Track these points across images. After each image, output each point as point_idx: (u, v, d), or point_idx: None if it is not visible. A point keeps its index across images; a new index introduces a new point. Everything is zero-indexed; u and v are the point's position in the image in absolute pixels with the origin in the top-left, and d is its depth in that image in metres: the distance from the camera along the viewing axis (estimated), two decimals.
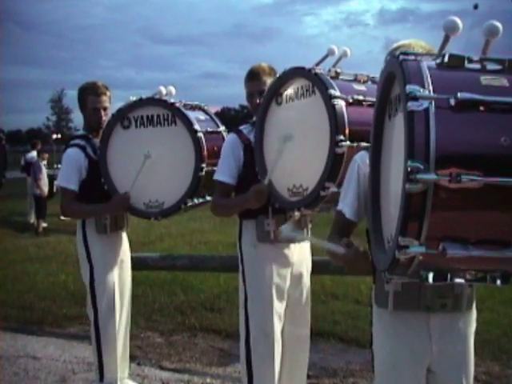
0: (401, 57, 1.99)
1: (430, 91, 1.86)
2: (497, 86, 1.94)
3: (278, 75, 3.57)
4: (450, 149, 1.82)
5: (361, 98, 3.22)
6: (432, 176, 1.78)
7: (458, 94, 1.84)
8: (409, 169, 1.79)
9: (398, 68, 1.97)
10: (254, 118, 3.76)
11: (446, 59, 1.99)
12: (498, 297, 6.78)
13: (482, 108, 1.87)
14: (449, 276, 2.00)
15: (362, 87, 3.36)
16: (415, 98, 1.84)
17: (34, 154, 16.87)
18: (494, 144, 1.83)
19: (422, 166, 1.78)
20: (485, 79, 1.95)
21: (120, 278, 4.46)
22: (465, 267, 2.00)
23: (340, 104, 3.13)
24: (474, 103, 1.86)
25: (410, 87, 1.86)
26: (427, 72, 1.92)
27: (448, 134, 1.82)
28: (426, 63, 1.98)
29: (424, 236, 1.84)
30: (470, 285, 2.44)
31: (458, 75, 1.99)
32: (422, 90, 1.85)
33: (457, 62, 2.00)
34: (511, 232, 1.90)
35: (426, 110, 1.82)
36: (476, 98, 1.86)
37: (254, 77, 3.76)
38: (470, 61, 2.01)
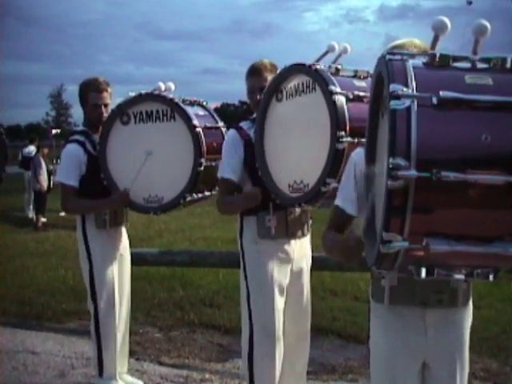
0: (387, 56, 2.01)
1: (413, 90, 1.88)
2: (481, 84, 1.95)
3: (278, 71, 3.57)
4: (431, 146, 1.83)
5: (361, 94, 3.21)
6: (413, 173, 1.80)
7: (440, 93, 1.86)
8: (390, 166, 1.81)
9: (384, 68, 2.00)
10: (255, 115, 3.76)
11: (433, 58, 2.01)
12: (496, 294, 6.79)
13: (463, 106, 1.88)
14: (436, 271, 2.03)
15: (362, 83, 3.35)
16: (397, 97, 1.86)
17: (31, 148, 16.87)
18: (475, 142, 1.84)
19: (403, 163, 1.80)
20: (469, 78, 1.97)
21: (120, 273, 4.47)
22: (449, 262, 2.02)
23: (341, 100, 3.12)
24: (456, 101, 1.88)
25: (392, 86, 1.88)
26: (412, 71, 1.94)
27: (429, 131, 1.84)
28: (413, 62, 1.99)
29: (407, 231, 1.86)
30: (466, 280, 2.46)
31: (443, 74, 2.01)
32: (404, 89, 1.87)
33: (443, 61, 2.01)
34: (493, 228, 1.92)
35: (408, 109, 1.84)
36: (458, 96, 1.87)
37: (255, 73, 3.76)
38: (456, 59, 2.03)
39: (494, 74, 1.99)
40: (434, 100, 1.86)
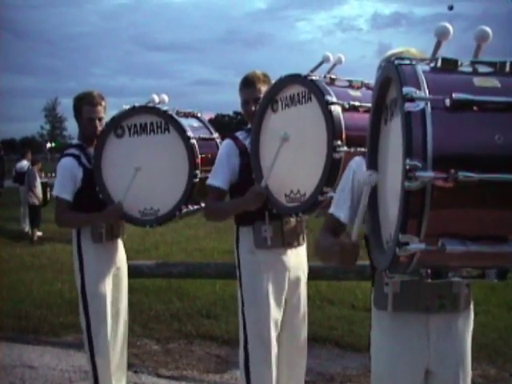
0: (396, 61, 2.05)
1: (425, 93, 1.92)
2: (489, 86, 2.00)
3: (273, 82, 3.59)
4: (447, 147, 1.87)
5: (356, 103, 3.25)
6: (430, 174, 1.83)
7: (453, 95, 1.89)
8: (407, 167, 1.84)
9: (394, 72, 2.03)
10: (250, 125, 3.78)
11: (440, 63, 2.05)
12: (493, 300, 6.80)
13: (475, 108, 1.93)
14: (447, 273, 2.05)
15: (357, 93, 3.38)
16: (412, 100, 1.90)
17: (23, 163, 16.88)
18: (489, 142, 1.88)
19: (419, 164, 1.84)
20: (478, 80, 2.02)
21: (116, 286, 4.45)
22: (463, 263, 2.05)
23: (337, 110, 3.15)
24: (468, 103, 1.92)
25: (406, 89, 1.92)
26: (422, 75, 1.98)
27: (444, 133, 1.87)
28: (421, 67, 2.04)
29: (423, 233, 1.89)
30: (468, 284, 2.49)
31: (452, 77, 2.05)
32: (417, 92, 1.91)
33: (450, 65, 2.06)
34: (507, 227, 1.96)
35: (423, 111, 1.88)
36: (470, 98, 1.92)
37: (248, 84, 3.77)
38: (463, 64, 2.07)
39: (500, 77, 2.04)
40: (447, 102, 1.90)
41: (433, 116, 1.87)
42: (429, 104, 1.89)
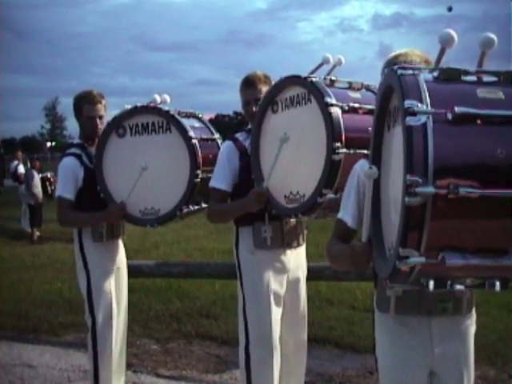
0: (399, 71, 2.02)
1: (427, 105, 1.89)
2: (493, 98, 1.97)
3: (273, 83, 3.60)
4: (448, 162, 1.85)
5: (356, 105, 3.25)
6: (430, 189, 1.81)
7: (456, 109, 1.87)
8: (408, 182, 1.82)
9: (397, 82, 2.00)
10: (250, 126, 3.79)
11: (443, 72, 2.02)
12: (493, 302, 6.78)
13: (478, 121, 1.90)
14: (448, 283, 2.04)
15: (356, 95, 3.39)
16: (413, 113, 1.87)
17: (15, 163, 17.00)
18: (491, 156, 1.86)
19: (420, 180, 1.82)
20: (481, 92, 1.98)
21: (116, 286, 4.45)
22: (464, 275, 2.04)
23: (336, 111, 3.16)
24: (471, 117, 1.89)
25: (407, 102, 1.89)
26: (424, 86, 1.95)
27: (446, 147, 1.85)
28: (424, 77, 2.00)
29: (424, 246, 1.88)
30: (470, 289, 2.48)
31: (455, 88, 2.02)
32: (419, 105, 1.89)
33: (453, 74, 2.03)
34: (507, 240, 1.94)
35: (424, 125, 1.86)
36: (473, 111, 1.89)
37: (249, 85, 3.77)
38: (466, 73, 2.04)
39: (504, 88, 2.00)
40: (449, 116, 1.87)
41: (434, 130, 1.85)
42: (431, 118, 1.86)
